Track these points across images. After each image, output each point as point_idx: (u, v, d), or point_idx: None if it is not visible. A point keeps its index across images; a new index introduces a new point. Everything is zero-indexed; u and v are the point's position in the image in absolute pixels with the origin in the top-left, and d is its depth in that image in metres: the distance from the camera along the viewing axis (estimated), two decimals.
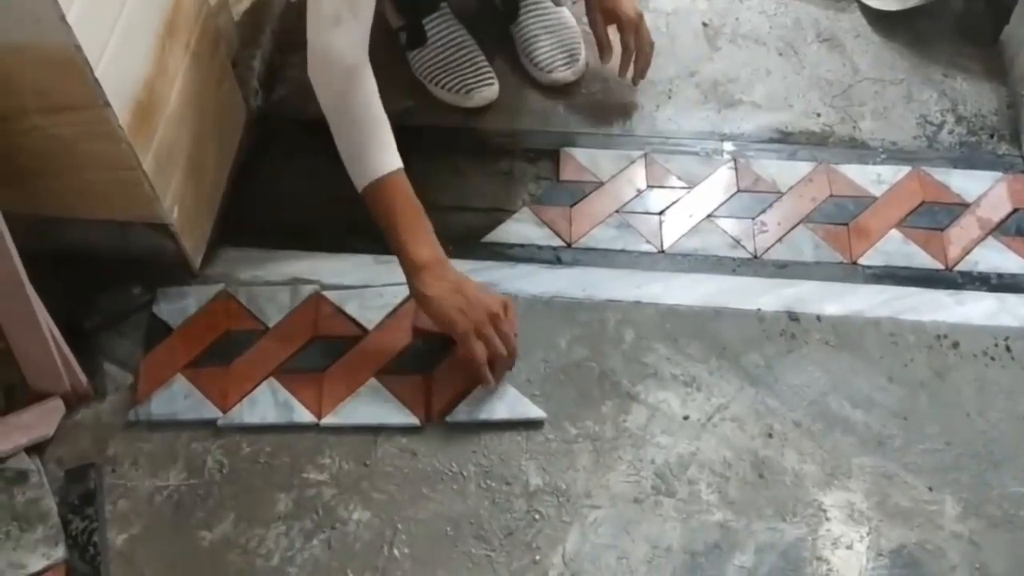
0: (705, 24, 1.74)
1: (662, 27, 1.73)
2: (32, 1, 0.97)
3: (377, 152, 1.22)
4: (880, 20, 1.74)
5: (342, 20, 1.17)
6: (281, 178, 1.52)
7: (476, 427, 1.25)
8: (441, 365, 1.30)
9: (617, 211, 1.48)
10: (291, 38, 1.62)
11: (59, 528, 1.15)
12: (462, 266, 1.39)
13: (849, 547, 1.15)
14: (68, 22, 0.99)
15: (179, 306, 1.35)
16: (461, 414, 1.25)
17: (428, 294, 1.22)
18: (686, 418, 1.26)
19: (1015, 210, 1.47)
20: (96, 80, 1.05)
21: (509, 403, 1.26)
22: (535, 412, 1.25)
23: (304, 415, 1.25)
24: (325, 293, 1.36)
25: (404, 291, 1.35)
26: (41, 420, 1.22)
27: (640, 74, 1.58)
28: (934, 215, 1.47)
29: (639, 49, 1.54)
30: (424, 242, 1.24)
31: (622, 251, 1.44)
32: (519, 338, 1.29)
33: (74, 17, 0.99)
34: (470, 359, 1.22)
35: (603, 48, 1.57)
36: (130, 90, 1.14)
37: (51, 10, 0.97)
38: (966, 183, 1.50)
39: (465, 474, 1.22)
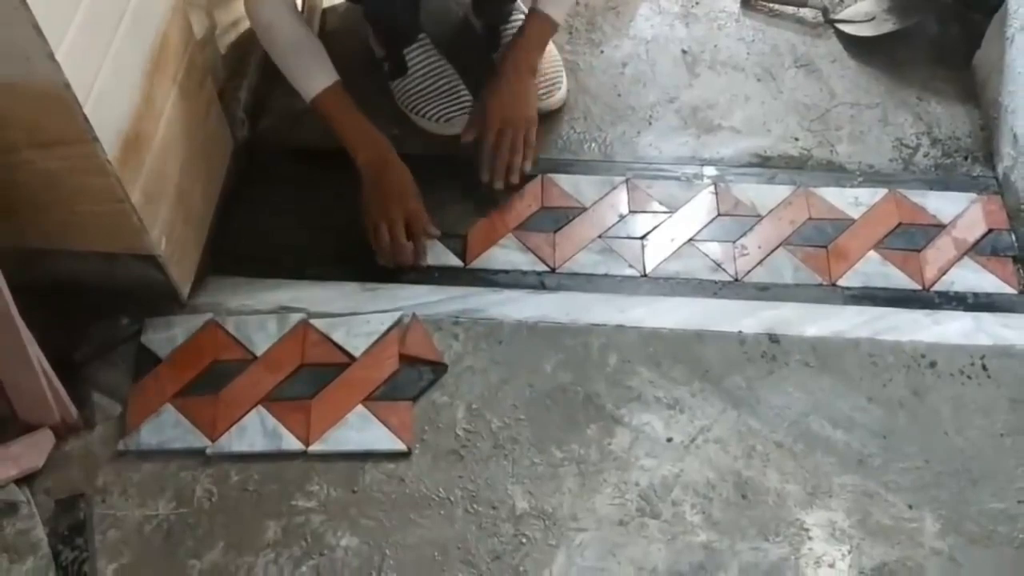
0: (684, 51, 1.77)
1: (642, 55, 1.76)
2: (22, 39, 0.98)
3: (305, 75, 1.44)
4: (856, 45, 1.77)
5: None
6: (268, 207, 1.54)
7: (461, 452, 1.26)
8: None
9: (600, 236, 1.50)
10: (276, 69, 1.63)
11: (49, 559, 1.16)
12: (448, 292, 1.42)
13: (831, 566, 1.17)
14: (57, 60, 1.00)
15: (167, 336, 1.36)
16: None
17: (364, 188, 1.44)
18: (670, 440, 1.28)
19: (990, 230, 1.50)
20: (85, 116, 1.07)
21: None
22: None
23: (292, 443, 1.26)
24: (312, 321, 1.38)
25: (390, 318, 1.37)
26: (31, 451, 1.23)
27: (507, 175, 1.50)
28: (911, 236, 1.50)
29: (514, 151, 1.49)
30: (357, 145, 1.45)
31: (605, 275, 1.46)
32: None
33: (63, 54, 1.01)
34: (374, 241, 1.42)
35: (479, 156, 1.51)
36: (118, 124, 1.16)
37: (40, 48, 0.99)
38: (942, 204, 1.53)
39: (452, 499, 1.23)
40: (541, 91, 1.62)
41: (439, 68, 1.61)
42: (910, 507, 1.22)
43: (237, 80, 1.60)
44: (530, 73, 1.52)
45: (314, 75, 1.44)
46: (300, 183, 1.56)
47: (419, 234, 1.43)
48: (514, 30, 1.65)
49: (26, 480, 1.22)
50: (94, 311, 1.37)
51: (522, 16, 1.66)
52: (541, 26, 1.51)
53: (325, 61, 1.45)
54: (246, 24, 1.66)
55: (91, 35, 1.08)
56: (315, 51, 1.46)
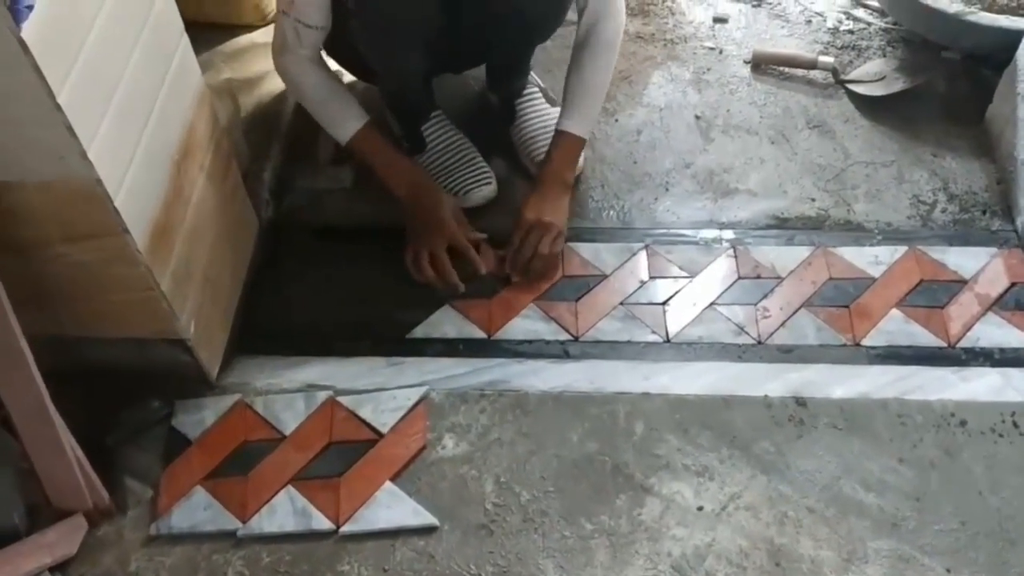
0: (698, 117, 1.79)
1: (656, 122, 1.79)
2: (56, 139, 1.02)
3: (338, 122, 1.53)
4: (868, 105, 1.79)
5: (287, 48, 1.48)
6: (292, 285, 1.56)
7: (490, 527, 1.26)
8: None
9: (621, 303, 1.51)
10: (299, 149, 1.68)
11: None
12: (472, 364, 1.43)
13: None
14: (89, 158, 1.04)
15: (197, 418, 1.38)
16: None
17: (405, 220, 1.54)
18: (700, 508, 1.27)
19: (1013, 284, 1.50)
20: (116, 209, 1.10)
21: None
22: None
23: (322, 522, 1.27)
24: (339, 398, 1.39)
25: (416, 393, 1.38)
26: (64, 538, 1.24)
27: (522, 273, 1.52)
28: (933, 293, 1.50)
29: (534, 254, 1.51)
30: (393, 181, 1.54)
31: (628, 342, 1.46)
32: None
33: (95, 152, 1.05)
34: (412, 269, 1.51)
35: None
36: (148, 215, 1.19)
37: (73, 147, 1.03)
38: (962, 260, 1.54)
39: (483, 575, 1.22)
40: None
41: (456, 143, 1.64)
42: (948, 571, 1.20)
43: (261, 162, 1.64)
44: (565, 189, 1.55)
45: (346, 120, 1.52)
46: (323, 261, 1.59)
47: (464, 249, 1.50)
48: (528, 103, 1.69)
49: (60, 567, 1.23)
50: (125, 395, 1.39)
51: (535, 90, 1.71)
52: (569, 145, 1.54)
53: (354, 105, 1.53)
54: (269, 107, 1.71)
55: (121, 131, 1.12)
56: (343, 97, 1.53)
